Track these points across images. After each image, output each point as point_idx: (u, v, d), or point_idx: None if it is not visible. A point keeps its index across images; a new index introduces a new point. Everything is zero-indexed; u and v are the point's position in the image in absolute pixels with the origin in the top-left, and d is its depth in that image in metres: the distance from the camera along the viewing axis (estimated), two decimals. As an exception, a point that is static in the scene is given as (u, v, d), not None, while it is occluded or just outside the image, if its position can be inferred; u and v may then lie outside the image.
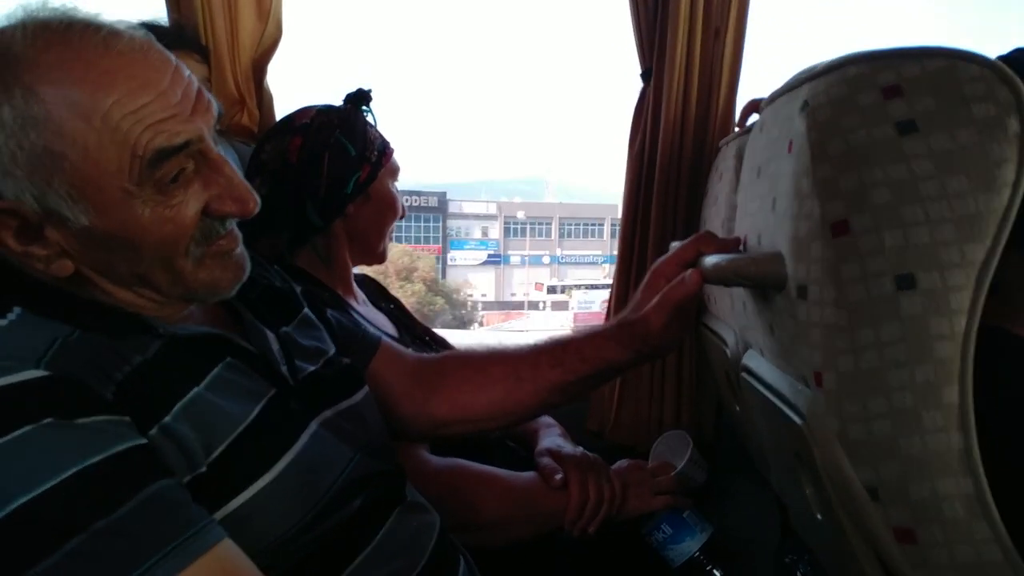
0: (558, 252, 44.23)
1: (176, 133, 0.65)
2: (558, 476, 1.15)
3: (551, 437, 1.31)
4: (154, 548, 0.56)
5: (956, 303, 0.60)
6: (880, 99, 0.62)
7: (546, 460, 1.20)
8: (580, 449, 1.24)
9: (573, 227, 45.94)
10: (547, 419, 1.39)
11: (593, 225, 46.12)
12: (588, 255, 44.71)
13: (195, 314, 0.79)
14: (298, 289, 0.97)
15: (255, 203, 0.72)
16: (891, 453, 0.63)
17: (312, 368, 0.85)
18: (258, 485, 0.69)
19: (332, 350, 0.92)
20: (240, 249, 0.76)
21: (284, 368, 0.80)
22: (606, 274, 38.95)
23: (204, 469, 0.65)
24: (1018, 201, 0.60)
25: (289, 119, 1.29)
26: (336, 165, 1.23)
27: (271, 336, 0.82)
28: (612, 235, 43.61)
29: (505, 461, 1.22)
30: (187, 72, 0.69)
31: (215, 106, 0.71)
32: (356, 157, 1.25)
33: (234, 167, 0.72)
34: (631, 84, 1.67)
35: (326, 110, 1.28)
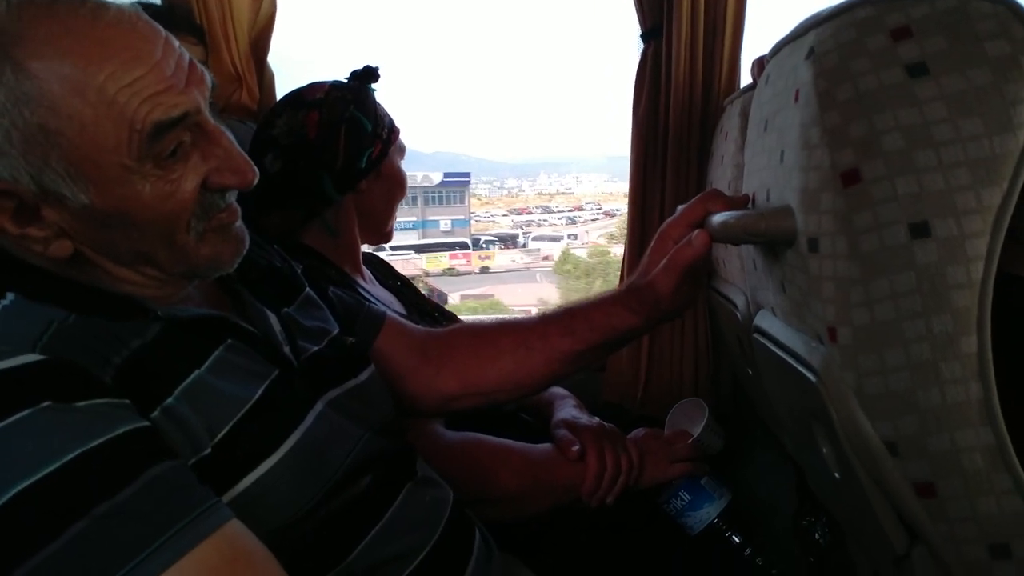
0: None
1: (173, 105, 0.64)
2: (575, 447, 1.14)
3: (566, 408, 1.30)
4: (161, 529, 0.55)
5: (973, 250, 0.58)
6: (889, 41, 0.60)
7: (562, 431, 1.19)
8: (596, 420, 1.23)
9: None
10: (561, 390, 1.38)
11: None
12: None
13: (194, 296, 0.78)
14: (299, 268, 0.96)
15: (254, 174, 0.71)
16: (909, 406, 0.61)
17: (315, 348, 0.84)
18: (264, 466, 0.68)
19: (336, 329, 0.91)
20: (240, 223, 0.75)
21: (287, 349, 0.79)
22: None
23: (209, 451, 0.64)
24: (1035, 141, 0.58)
25: (298, 94, 1.28)
26: (352, 140, 1.24)
27: (272, 317, 0.81)
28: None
29: (520, 434, 1.20)
30: (177, 43, 0.67)
31: (208, 78, 0.69)
32: (370, 133, 1.26)
33: (231, 139, 0.70)
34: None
35: (339, 85, 1.28)
